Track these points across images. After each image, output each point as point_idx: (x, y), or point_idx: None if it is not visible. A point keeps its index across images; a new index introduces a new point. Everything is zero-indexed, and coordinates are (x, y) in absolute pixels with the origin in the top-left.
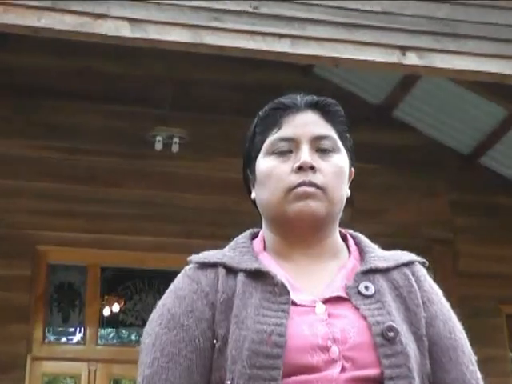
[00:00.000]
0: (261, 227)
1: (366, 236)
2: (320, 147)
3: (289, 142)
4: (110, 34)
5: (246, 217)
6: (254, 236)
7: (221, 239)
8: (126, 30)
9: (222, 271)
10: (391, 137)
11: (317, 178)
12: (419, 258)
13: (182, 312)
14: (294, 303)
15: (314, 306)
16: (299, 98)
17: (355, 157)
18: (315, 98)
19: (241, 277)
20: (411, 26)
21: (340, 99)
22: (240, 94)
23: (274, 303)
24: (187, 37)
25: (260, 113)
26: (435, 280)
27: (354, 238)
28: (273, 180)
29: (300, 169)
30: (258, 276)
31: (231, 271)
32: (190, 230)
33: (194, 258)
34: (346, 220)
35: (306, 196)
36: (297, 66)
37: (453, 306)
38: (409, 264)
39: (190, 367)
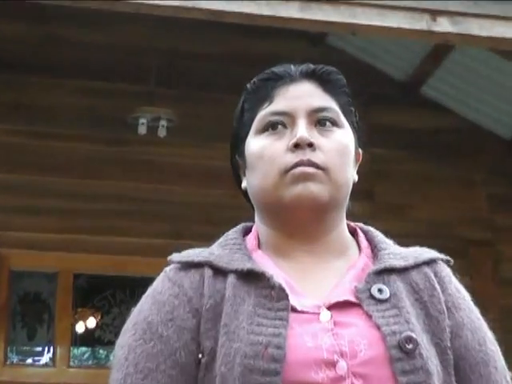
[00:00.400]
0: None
1: (388, 236)
2: (319, 121)
3: (282, 117)
4: None
5: (245, 213)
6: (247, 231)
7: (216, 240)
8: None
9: (208, 272)
10: (419, 118)
11: (316, 157)
12: (442, 256)
13: (160, 320)
14: (294, 309)
15: (318, 313)
16: (293, 67)
17: (374, 141)
18: (311, 66)
19: (231, 279)
20: None
21: (358, 74)
22: (239, 68)
23: (271, 310)
24: (176, 0)
25: (248, 86)
26: (472, 288)
27: (365, 232)
28: (265, 161)
29: (297, 146)
30: (252, 278)
31: (219, 272)
32: (180, 230)
33: (176, 257)
34: (366, 216)
35: (305, 177)
36: (306, 35)
37: (493, 319)
38: (430, 262)
39: None
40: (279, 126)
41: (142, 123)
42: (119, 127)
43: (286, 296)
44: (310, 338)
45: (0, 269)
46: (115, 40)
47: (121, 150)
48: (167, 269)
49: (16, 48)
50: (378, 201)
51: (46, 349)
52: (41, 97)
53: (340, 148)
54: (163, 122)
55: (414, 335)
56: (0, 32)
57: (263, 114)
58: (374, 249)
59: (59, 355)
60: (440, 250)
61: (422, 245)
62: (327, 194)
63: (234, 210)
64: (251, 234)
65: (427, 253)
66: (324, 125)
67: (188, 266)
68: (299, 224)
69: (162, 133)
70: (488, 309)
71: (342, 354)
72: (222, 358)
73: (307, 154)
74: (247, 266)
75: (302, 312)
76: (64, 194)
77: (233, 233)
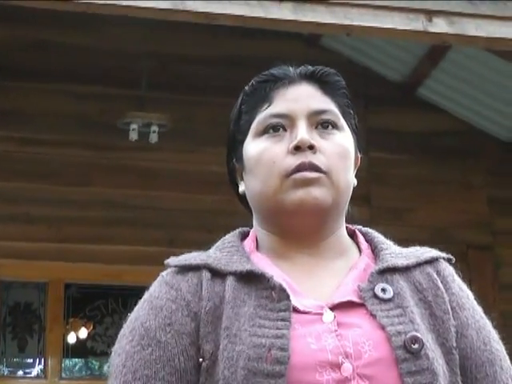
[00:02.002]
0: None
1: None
2: (320, 123)
3: (282, 119)
4: None
5: (241, 219)
6: (245, 236)
7: (212, 246)
8: None
9: (206, 275)
10: (416, 120)
11: (318, 159)
12: (444, 254)
13: (158, 325)
14: (296, 310)
15: (321, 314)
16: (292, 69)
17: (371, 144)
18: (310, 67)
19: (230, 281)
20: None
21: (354, 76)
22: (232, 71)
23: (272, 311)
24: (166, 2)
25: (246, 87)
26: (472, 292)
27: (364, 234)
28: (265, 165)
29: (297, 149)
30: (251, 279)
31: (218, 275)
32: (173, 237)
33: (172, 261)
34: (364, 221)
35: (307, 182)
36: (300, 36)
37: (493, 324)
38: (432, 261)
39: None
40: (280, 129)
41: (133, 129)
42: (110, 133)
43: (287, 296)
44: (313, 339)
45: None
46: (105, 44)
47: (112, 157)
48: (164, 273)
49: (4, 53)
50: (376, 205)
51: (37, 360)
52: (29, 102)
53: (341, 151)
54: (154, 128)
55: (419, 335)
56: None
57: (262, 116)
58: (375, 249)
59: (51, 367)
60: None
61: None
62: (330, 198)
63: (229, 216)
64: (249, 237)
65: (429, 252)
66: (325, 127)
67: (185, 269)
68: (300, 229)
69: (153, 138)
70: (488, 313)
71: (347, 356)
72: (225, 361)
73: (308, 157)
74: (246, 267)
75: (304, 312)
76: (54, 202)
77: (230, 236)
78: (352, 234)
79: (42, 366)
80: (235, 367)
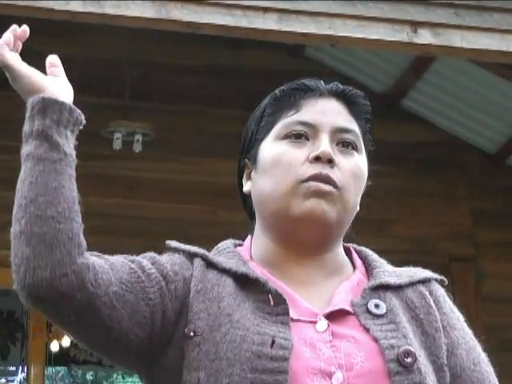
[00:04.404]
0: (243, 239)
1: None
2: (342, 141)
3: (307, 128)
4: (57, 8)
5: (223, 229)
6: (236, 246)
7: None
8: (76, 4)
9: (201, 262)
10: (400, 132)
11: (334, 174)
12: (437, 275)
13: (162, 258)
14: (290, 317)
15: (315, 322)
16: (323, 83)
17: None
18: (340, 85)
19: (230, 280)
20: None
21: None
22: (215, 80)
23: (270, 314)
24: (150, 11)
25: (276, 91)
26: (454, 304)
27: (358, 252)
28: (281, 167)
29: (317, 159)
30: (248, 284)
31: (213, 267)
32: (156, 247)
33: (173, 243)
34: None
35: (320, 194)
36: (284, 46)
37: (476, 337)
38: (425, 281)
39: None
40: (302, 137)
41: (117, 138)
42: (93, 142)
43: (284, 301)
44: (307, 347)
45: None
46: (88, 53)
47: (95, 165)
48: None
49: None
50: (358, 216)
51: (20, 368)
52: (12, 111)
53: (357, 172)
54: (138, 137)
55: (412, 349)
56: None
57: (288, 121)
58: (368, 267)
59: (33, 375)
60: (421, 266)
61: (401, 261)
62: (335, 215)
63: (211, 226)
64: (243, 247)
65: (422, 272)
66: (345, 146)
67: (184, 252)
68: (302, 237)
69: (137, 147)
70: (471, 326)
71: (339, 366)
72: (227, 344)
73: (325, 169)
74: (242, 269)
75: (298, 320)
76: None
77: (223, 245)
78: (346, 251)
79: (24, 374)
80: (239, 349)
